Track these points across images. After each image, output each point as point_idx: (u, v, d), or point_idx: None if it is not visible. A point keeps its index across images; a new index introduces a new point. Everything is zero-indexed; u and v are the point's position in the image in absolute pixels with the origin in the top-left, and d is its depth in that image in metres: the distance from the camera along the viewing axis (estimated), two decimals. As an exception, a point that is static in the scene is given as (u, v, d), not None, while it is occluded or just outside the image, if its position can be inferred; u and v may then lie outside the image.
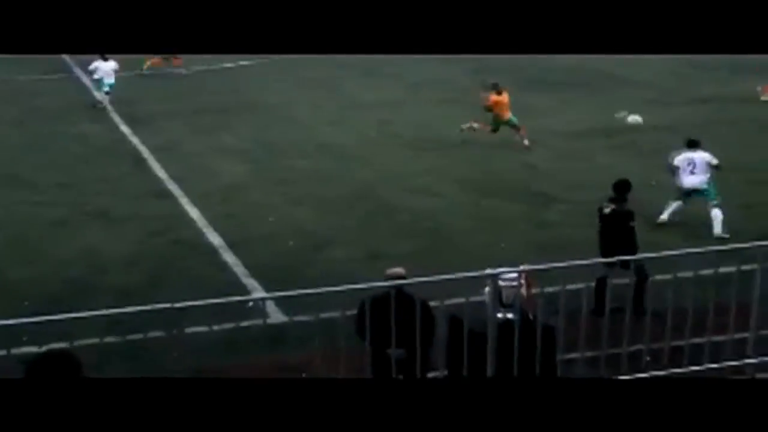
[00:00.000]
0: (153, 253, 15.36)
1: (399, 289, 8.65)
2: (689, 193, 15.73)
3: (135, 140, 23.32)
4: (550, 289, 8.55)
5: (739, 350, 9.62)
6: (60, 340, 7.73)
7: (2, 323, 7.88)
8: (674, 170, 15.82)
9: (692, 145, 15.88)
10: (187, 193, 18.64)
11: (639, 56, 29.20)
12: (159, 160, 21.28)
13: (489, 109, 21.74)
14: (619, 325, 9.27)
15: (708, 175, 15.57)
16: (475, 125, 21.85)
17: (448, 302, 8.38)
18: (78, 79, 31.93)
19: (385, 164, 20.60)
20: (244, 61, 32.81)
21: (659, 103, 25.60)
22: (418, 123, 24.44)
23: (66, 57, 34.98)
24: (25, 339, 8.43)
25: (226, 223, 16.77)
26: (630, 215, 12.44)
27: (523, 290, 8.51)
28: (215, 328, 9.16)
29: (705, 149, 15.79)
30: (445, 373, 8.60)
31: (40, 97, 29.04)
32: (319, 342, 8.27)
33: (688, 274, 9.09)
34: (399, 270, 9.17)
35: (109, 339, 8.69)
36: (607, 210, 12.54)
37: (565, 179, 18.95)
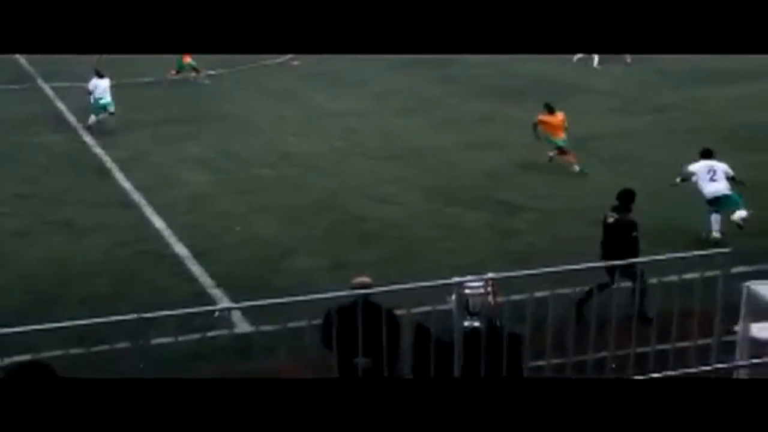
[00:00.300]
0: (118, 264, 15.27)
1: (365, 298, 8.64)
2: (715, 201, 15.39)
3: (99, 150, 23.14)
4: (515, 297, 8.58)
5: (703, 356, 9.69)
6: (25, 351, 7.64)
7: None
8: (689, 178, 15.60)
9: (707, 154, 15.82)
10: (152, 203, 18.54)
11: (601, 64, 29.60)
12: (124, 170, 21.13)
13: (534, 126, 20.53)
14: (585, 332, 9.32)
15: (728, 182, 15.45)
16: (551, 154, 20.49)
17: (414, 311, 8.38)
18: (41, 89, 31.62)
19: (350, 173, 20.60)
20: (210, 71, 32.65)
21: (623, 112, 25.73)
22: (382, 132, 24.45)
23: (28, 66, 34.64)
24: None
25: (191, 233, 16.71)
26: (633, 225, 12.38)
27: (490, 298, 8.52)
28: (181, 338, 9.09)
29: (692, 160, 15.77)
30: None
31: (0, 107, 28.68)
32: (285, 352, 8.25)
33: (653, 280, 9.16)
34: (365, 279, 9.19)
35: (74, 350, 8.60)
36: (610, 219, 12.51)
37: (528, 188, 19.03)
